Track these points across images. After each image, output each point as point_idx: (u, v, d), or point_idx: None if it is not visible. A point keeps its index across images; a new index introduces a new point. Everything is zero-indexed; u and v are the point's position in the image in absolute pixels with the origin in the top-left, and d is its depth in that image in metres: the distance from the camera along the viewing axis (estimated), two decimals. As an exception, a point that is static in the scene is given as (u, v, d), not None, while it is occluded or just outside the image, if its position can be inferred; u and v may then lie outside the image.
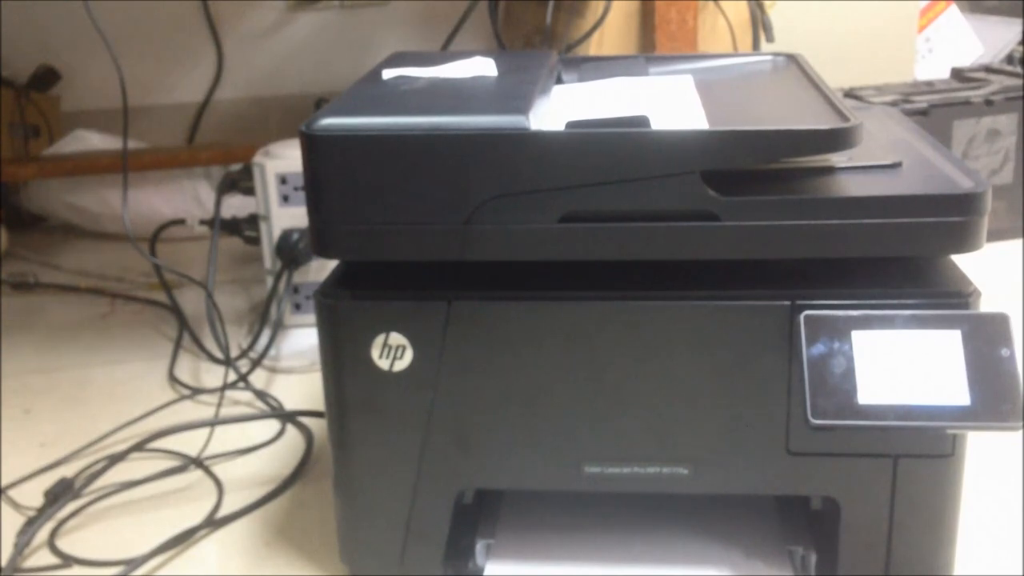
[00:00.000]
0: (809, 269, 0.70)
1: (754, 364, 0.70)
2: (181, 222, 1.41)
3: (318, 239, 0.71)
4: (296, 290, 1.27)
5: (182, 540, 0.89)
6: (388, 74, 0.81)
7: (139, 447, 1.02)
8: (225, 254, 1.53)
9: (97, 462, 1.01)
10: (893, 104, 1.42)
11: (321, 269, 1.25)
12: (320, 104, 1.61)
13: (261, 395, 1.15)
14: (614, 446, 0.73)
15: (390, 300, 0.72)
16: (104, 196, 1.71)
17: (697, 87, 0.86)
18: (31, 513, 0.93)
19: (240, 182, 1.30)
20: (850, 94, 1.51)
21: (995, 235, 1.29)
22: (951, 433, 0.70)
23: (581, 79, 0.91)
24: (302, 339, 1.26)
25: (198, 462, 1.02)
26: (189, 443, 1.04)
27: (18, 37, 1.84)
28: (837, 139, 0.68)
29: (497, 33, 1.55)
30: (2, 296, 1.50)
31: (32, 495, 0.96)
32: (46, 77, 1.85)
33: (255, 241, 1.31)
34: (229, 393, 1.15)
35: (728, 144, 0.67)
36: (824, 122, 0.71)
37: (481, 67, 0.81)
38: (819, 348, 0.67)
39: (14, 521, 0.93)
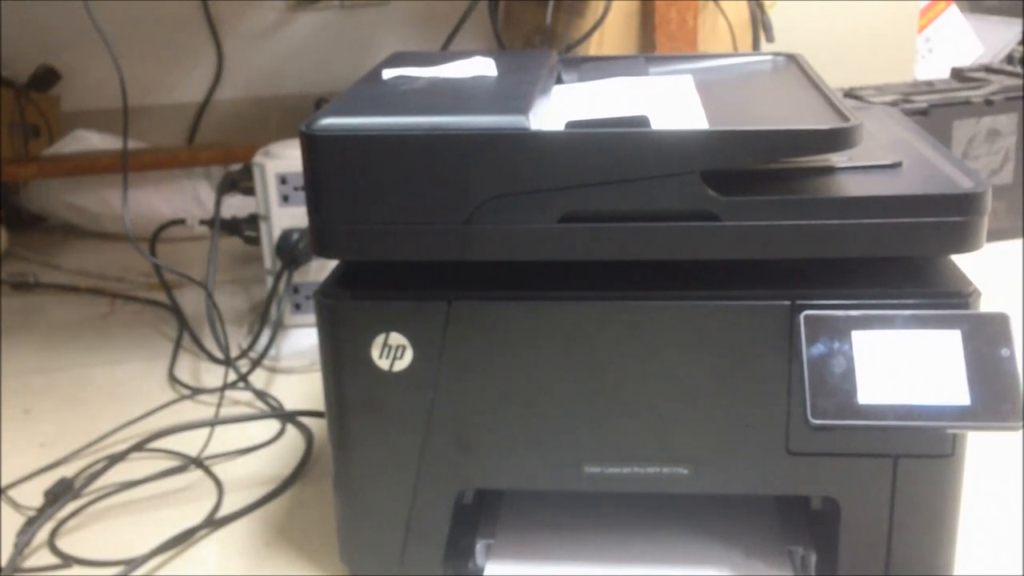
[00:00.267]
0: (809, 269, 0.70)
1: (754, 364, 0.70)
2: (181, 222, 1.41)
3: (318, 239, 0.71)
4: (296, 290, 1.27)
5: (182, 540, 0.89)
6: (388, 74, 0.81)
7: (139, 447, 1.02)
8: (225, 254, 1.53)
9: (97, 462, 1.01)
10: (893, 104, 1.42)
11: (321, 269, 1.25)
12: (320, 104, 1.61)
13: (261, 395, 1.15)
14: (614, 446, 0.73)
15: (390, 300, 0.72)
16: (104, 196, 1.71)
17: (697, 87, 0.86)
18: (31, 513, 0.93)
19: (240, 182, 1.30)
20: (850, 94, 1.51)
21: (995, 235, 1.29)
22: (951, 433, 0.70)
23: (581, 79, 0.91)
24: (302, 339, 1.26)
25: (198, 462, 1.02)
26: (189, 443, 1.04)
27: (18, 37, 1.84)
28: (837, 139, 0.68)
29: (497, 33, 1.55)
30: (2, 296, 1.50)
31: (32, 495, 0.96)
32: (46, 77, 1.85)
33: (255, 241, 1.31)
34: (229, 393, 1.15)
35: (728, 144, 0.67)
36: (824, 122, 0.71)
37: (481, 67, 0.81)
38: (819, 348, 0.67)
39: (14, 521, 0.93)
